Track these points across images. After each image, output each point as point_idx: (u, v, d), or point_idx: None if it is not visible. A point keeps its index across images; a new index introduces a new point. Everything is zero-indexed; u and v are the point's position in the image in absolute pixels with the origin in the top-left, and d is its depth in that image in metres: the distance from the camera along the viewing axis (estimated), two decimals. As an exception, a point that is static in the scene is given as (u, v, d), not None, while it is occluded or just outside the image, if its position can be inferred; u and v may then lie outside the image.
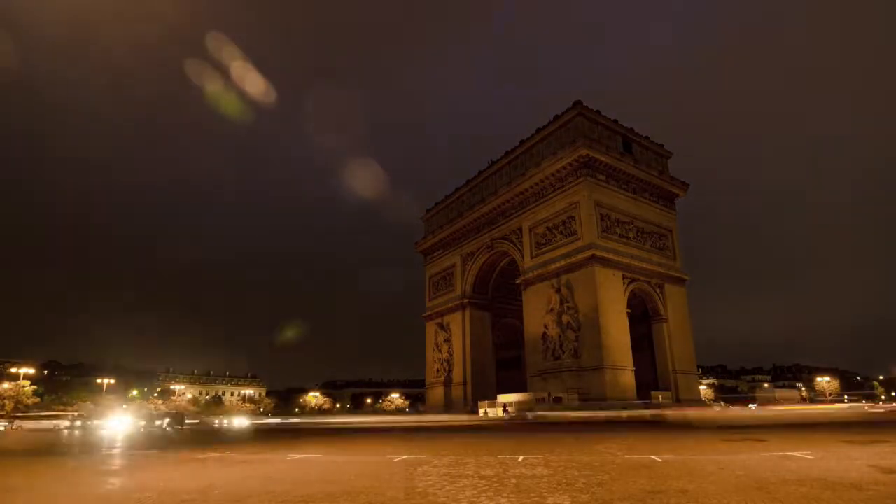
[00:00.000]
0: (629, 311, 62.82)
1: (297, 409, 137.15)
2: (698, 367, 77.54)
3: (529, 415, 52.46)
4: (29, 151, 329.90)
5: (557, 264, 64.14)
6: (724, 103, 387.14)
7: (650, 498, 7.90)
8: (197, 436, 37.28)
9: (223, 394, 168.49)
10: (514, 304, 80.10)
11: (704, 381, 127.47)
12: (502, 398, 62.24)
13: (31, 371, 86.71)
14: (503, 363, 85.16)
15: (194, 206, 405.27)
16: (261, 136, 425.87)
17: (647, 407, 55.50)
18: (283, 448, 21.81)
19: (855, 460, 12.07)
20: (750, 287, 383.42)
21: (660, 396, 61.34)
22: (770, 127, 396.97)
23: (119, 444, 27.20)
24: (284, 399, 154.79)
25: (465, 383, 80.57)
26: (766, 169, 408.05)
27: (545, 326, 64.43)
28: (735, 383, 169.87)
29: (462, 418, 56.54)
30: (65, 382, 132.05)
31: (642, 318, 66.92)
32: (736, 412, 62.06)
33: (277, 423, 64.76)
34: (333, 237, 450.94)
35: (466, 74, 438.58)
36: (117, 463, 16.95)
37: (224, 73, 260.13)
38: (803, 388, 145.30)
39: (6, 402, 77.74)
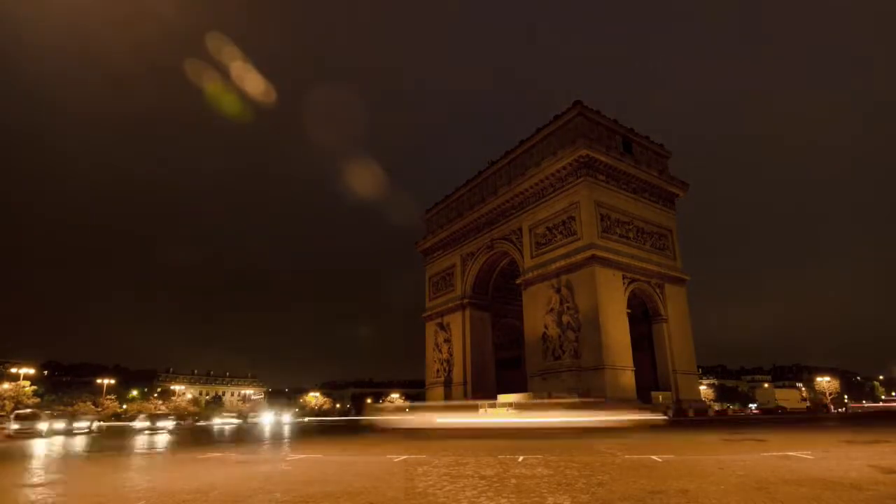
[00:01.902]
0: (629, 311, 62.79)
1: (296, 409, 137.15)
2: (698, 367, 77.50)
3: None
4: (28, 151, 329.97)
5: (557, 264, 64.11)
6: (724, 103, 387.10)
7: (650, 498, 7.91)
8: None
9: (223, 394, 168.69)
10: (514, 304, 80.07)
11: (705, 381, 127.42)
12: (502, 398, 62.14)
13: (31, 371, 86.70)
14: (503, 363, 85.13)
15: (194, 206, 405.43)
16: (260, 135, 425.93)
17: (645, 408, 55.42)
18: (284, 448, 21.84)
19: (855, 460, 12.08)
20: (750, 287, 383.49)
21: (660, 396, 61.35)
22: (770, 125, 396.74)
23: (112, 444, 27.21)
24: (285, 399, 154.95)
25: (465, 383, 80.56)
26: (767, 168, 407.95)
27: (545, 326, 64.41)
28: (735, 383, 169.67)
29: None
30: (65, 382, 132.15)
31: (642, 318, 66.91)
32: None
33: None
34: (333, 237, 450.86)
35: (467, 73, 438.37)
36: (115, 463, 16.95)
37: (224, 73, 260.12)
38: (803, 388, 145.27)
39: (6, 402, 77.76)
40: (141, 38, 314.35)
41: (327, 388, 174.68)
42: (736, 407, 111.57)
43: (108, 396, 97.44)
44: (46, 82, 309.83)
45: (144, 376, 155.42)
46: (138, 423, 59.01)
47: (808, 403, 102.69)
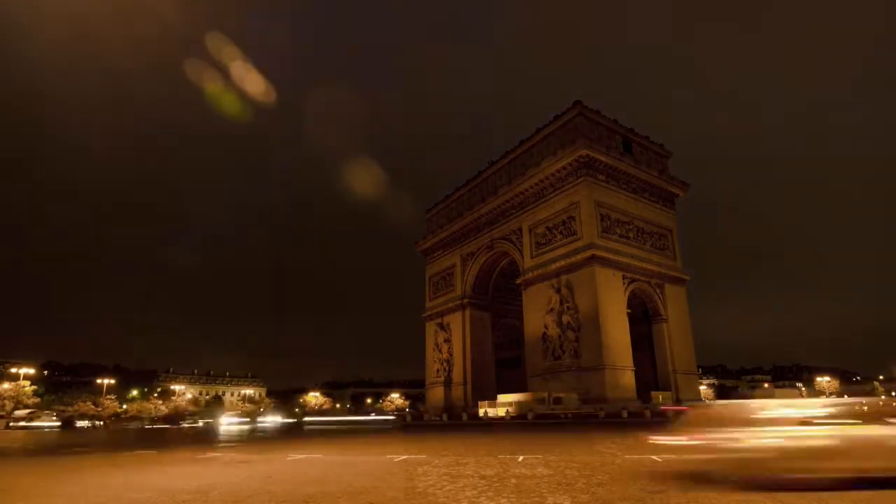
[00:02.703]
0: (629, 311, 62.77)
1: (296, 409, 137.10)
2: (698, 367, 77.50)
3: (529, 415, 52.48)
4: (28, 151, 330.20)
5: (557, 264, 64.10)
6: (723, 101, 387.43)
7: (650, 498, 7.91)
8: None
9: (223, 394, 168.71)
10: (514, 304, 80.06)
11: (704, 381, 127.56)
12: (502, 398, 62.24)
13: (31, 371, 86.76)
14: (503, 363, 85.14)
15: (194, 206, 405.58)
16: (260, 136, 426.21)
17: (646, 408, 55.50)
18: (284, 448, 21.85)
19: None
20: (750, 287, 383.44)
21: (660, 396, 61.36)
22: (770, 123, 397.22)
23: (116, 442, 27.24)
24: (285, 399, 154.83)
25: (465, 383, 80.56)
26: (767, 166, 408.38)
27: (545, 326, 64.40)
28: (735, 383, 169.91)
29: None
30: (65, 382, 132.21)
31: (642, 318, 66.89)
32: None
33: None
34: (334, 237, 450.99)
35: (466, 73, 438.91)
36: (117, 462, 16.95)
37: (224, 73, 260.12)
38: (803, 388, 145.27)
39: (6, 402, 77.83)
40: (141, 35, 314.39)
41: (327, 388, 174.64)
42: None
43: (108, 396, 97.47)
44: (47, 80, 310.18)
45: (144, 376, 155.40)
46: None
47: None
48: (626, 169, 67.41)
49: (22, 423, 63.76)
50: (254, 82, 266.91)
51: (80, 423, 74.16)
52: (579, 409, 52.51)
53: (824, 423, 8.88)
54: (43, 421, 69.78)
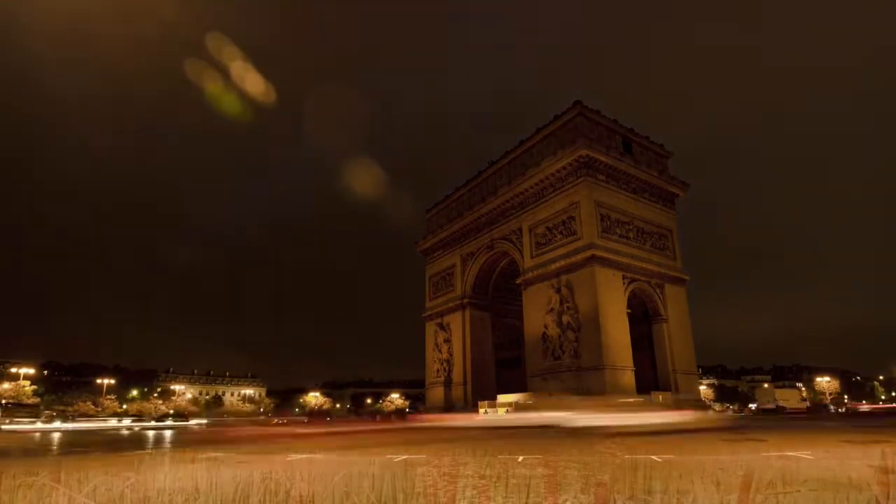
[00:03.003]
0: (629, 311, 62.76)
1: (296, 410, 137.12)
2: (698, 367, 77.43)
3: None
4: (28, 151, 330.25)
5: (557, 264, 64.09)
6: (723, 99, 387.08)
7: (650, 498, 7.90)
8: None
9: (223, 394, 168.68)
10: (514, 304, 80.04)
11: (704, 381, 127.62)
12: (502, 398, 62.24)
13: (31, 371, 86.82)
14: (503, 363, 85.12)
15: (194, 206, 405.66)
16: (260, 135, 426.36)
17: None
18: (284, 448, 21.84)
19: (855, 460, 12.08)
20: (750, 287, 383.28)
21: (660, 396, 61.34)
22: (770, 123, 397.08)
23: (106, 442, 27.24)
24: (285, 399, 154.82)
25: (465, 383, 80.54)
26: (767, 166, 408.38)
27: (545, 326, 64.38)
28: (735, 383, 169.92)
29: None
30: (65, 382, 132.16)
31: (642, 318, 66.87)
32: None
33: None
34: (334, 237, 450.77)
35: (467, 73, 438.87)
36: (117, 462, 16.93)
37: (224, 72, 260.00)
38: (803, 388, 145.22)
39: (6, 402, 77.81)
40: (141, 34, 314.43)
41: (327, 388, 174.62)
42: (735, 407, 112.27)
43: (108, 396, 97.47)
44: (46, 78, 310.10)
45: (144, 376, 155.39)
46: None
47: (807, 403, 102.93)
48: (626, 169, 67.37)
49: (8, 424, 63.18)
50: (254, 82, 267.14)
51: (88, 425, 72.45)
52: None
53: None
54: (38, 421, 68.87)
